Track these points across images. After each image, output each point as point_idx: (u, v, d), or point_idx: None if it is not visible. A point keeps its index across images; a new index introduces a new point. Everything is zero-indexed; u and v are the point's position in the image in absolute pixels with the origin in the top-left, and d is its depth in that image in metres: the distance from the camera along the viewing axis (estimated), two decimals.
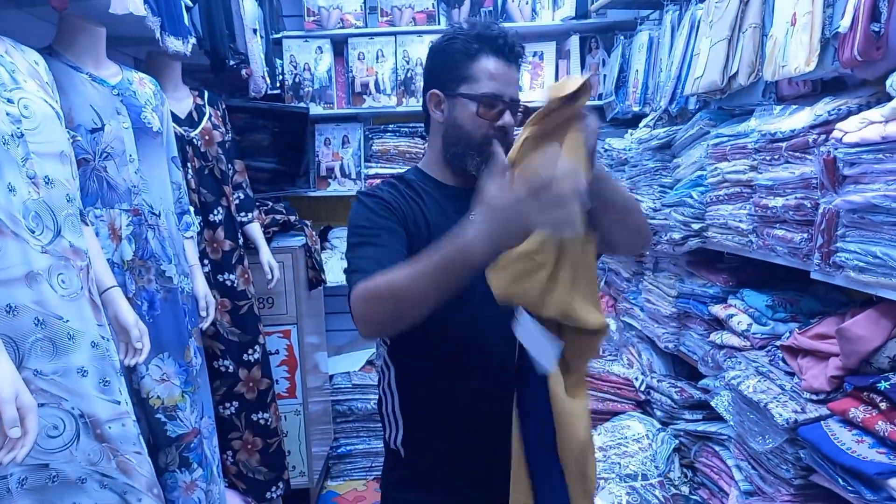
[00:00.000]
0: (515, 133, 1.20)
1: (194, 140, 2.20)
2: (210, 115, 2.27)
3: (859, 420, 1.31)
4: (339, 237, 3.46)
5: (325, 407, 2.99)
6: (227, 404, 2.25)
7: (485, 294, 1.05)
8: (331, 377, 3.09)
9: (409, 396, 1.27)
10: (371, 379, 3.09)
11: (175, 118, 2.12)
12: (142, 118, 1.74)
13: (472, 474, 1.25)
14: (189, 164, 2.16)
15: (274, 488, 2.33)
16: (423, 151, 3.19)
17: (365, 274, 1.07)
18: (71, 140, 1.48)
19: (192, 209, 2.05)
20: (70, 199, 1.35)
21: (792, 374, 1.56)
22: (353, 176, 3.33)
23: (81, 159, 1.58)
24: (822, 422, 1.41)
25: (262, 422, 2.30)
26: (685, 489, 1.93)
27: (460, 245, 0.97)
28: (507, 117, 1.20)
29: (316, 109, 3.22)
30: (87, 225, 1.48)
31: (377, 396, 1.34)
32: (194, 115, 2.23)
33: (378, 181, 3.22)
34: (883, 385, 1.28)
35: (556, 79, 3.21)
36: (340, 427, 3.08)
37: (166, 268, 1.76)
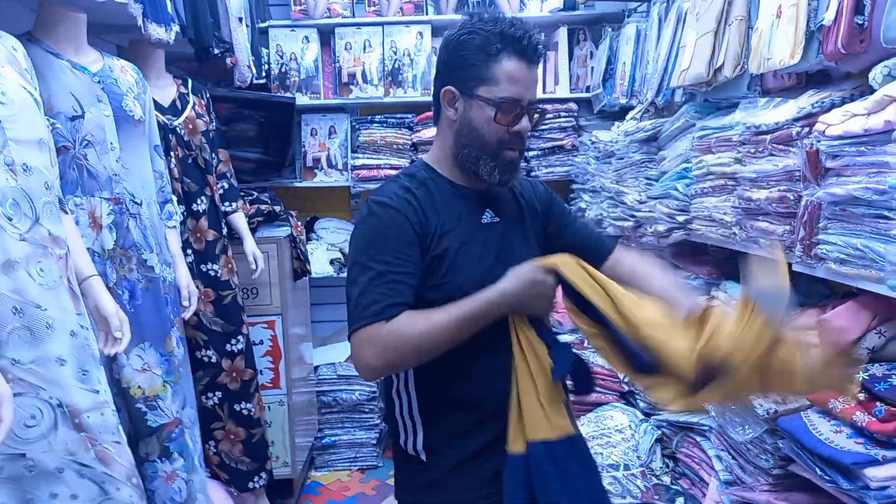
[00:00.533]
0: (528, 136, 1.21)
1: (177, 129, 2.17)
2: (194, 104, 2.25)
3: (838, 411, 1.33)
4: (326, 228, 3.45)
5: (310, 398, 2.99)
6: (210, 394, 2.23)
7: None
8: (315, 368, 3.08)
9: (429, 398, 1.19)
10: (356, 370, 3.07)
11: (158, 106, 2.09)
12: (123, 106, 1.71)
13: (499, 470, 1.16)
14: (172, 153, 2.14)
15: (257, 478, 2.32)
16: (410, 142, 3.18)
17: (374, 318, 1.07)
18: (50, 127, 1.46)
19: (174, 198, 2.03)
20: (49, 187, 1.33)
21: None
22: (340, 167, 3.31)
23: (61, 147, 1.56)
24: (802, 413, 1.42)
25: (245, 412, 2.29)
26: (666, 479, 1.95)
27: (490, 299, 1.07)
28: (525, 122, 1.15)
29: (302, 100, 3.19)
30: (66, 213, 1.46)
31: (381, 399, 1.29)
32: (178, 103, 2.20)
33: (364, 172, 3.25)
34: (862, 376, 1.30)
35: (544, 71, 3.20)
36: (325, 418, 3.07)
37: (148, 257, 1.74)
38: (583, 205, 2.80)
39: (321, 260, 3.29)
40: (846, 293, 1.55)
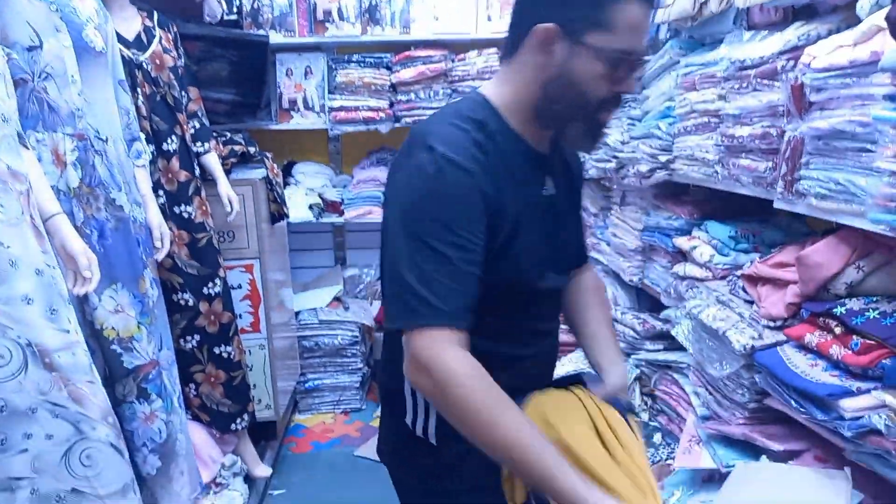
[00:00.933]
0: None
1: (144, 64, 2.08)
2: (160, 38, 2.15)
3: (814, 345, 1.33)
4: (304, 172, 3.38)
5: (292, 342, 2.98)
6: (189, 337, 2.21)
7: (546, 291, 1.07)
8: (297, 313, 3.07)
9: None
10: (338, 315, 3.07)
11: (122, 40, 2.00)
12: (83, 37, 1.63)
13: None
14: (139, 90, 2.05)
15: (239, 420, 2.33)
16: (388, 83, 3.09)
17: (445, 321, 0.87)
18: (6, 58, 1.38)
19: (143, 137, 1.96)
20: (5, 119, 1.26)
21: (751, 303, 1.58)
22: (317, 109, 3.22)
23: (19, 79, 1.48)
24: (778, 347, 1.43)
25: (224, 355, 2.27)
26: (645, 416, 1.98)
27: (564, 489, 0.82)
28: (632, 81, 0.96)
29: (276, 38, 3.08)
30: (27, 149, 1.39)
31: (387, 371, 1.10)
32: (143, 37, 2.10)
33: (342, 114, 3.15)
34: (839, 310, 1.30)
35: None
36: (308, 362, 3.08)
37: (116, 196, 1.69)
38: None
39: (300, 205, 3.24)
40: (825, 231, 1.55)
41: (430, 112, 3.05)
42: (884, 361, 1.19)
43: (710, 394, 1.67)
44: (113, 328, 1.65)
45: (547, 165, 1.05)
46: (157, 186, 2.10)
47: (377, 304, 3.19)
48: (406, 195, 0.92)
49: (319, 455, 2.75)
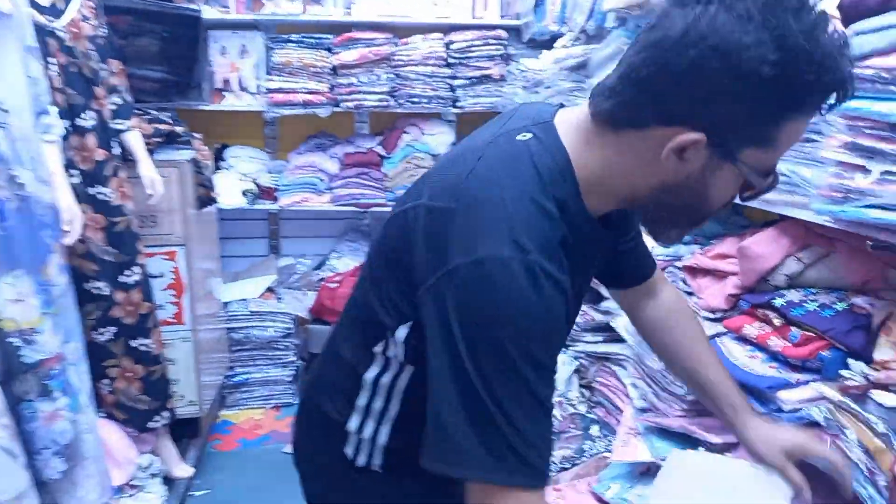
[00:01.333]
0: None
1: (58, 32, 1.91)
2: (80, 5, 1.98)
3: (753, 336, 1.32)
4: (237, 156, 3.23)
5: (219, 335, 2.84)
6: (103, 329, 2.05)
7: None
8: (226, 304, 2.93)
9: (417, 405, 0.80)
10: (270, 306, 2.95)
11: (34, 4, 1.83)
12: None
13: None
14: (53, 60, 1.88)
15: (157, 418, 2.18)
16: (329, 65, 2.97)
17: (535, 483, 0.72)
18: None
19: (54, 110, 1.80)
20: None
21: (691, 294, 1.56)
22: (253, 90, 3.08)
23: None
24: (717, 339, 1.41)
25: (142, 348, 2.12)
26: (582, 408, 1.95)
27: None
28: (763, 190, 0.78)
29: (210, 13, 2.93)
30: None
31: (330, 398, 0.95)
32: (59, 2, 1.93)
33: (279, 96, 3.00)
34: (778, 302, 1.29)
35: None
36: (237, 356, 2.95)
37: (19, 173, 1.52)
38: None
39: (232, 190, 3.10)
40: (765, 223, 1.54)
41: (372, 97, 2.98)
42: (822, 353, 1.18)
43: (649, 386, 1.64)
44: (12, 319, 1.49)
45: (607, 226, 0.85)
46: (70, 165, 1.93)
47: (312, 295, 3.08)
48: (490, 310, 0.69)
49: (247, 453, 2.63)
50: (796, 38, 0.64)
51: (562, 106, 0.85)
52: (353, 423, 0.93)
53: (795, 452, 0.95)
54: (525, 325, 0.69)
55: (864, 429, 1.05)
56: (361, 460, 0.94)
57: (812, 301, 1.25)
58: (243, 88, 3.08)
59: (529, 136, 0.79)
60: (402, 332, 0.83)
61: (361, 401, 0.92)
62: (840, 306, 1.23)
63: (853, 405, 1.07)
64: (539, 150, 0.77)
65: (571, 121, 0.79)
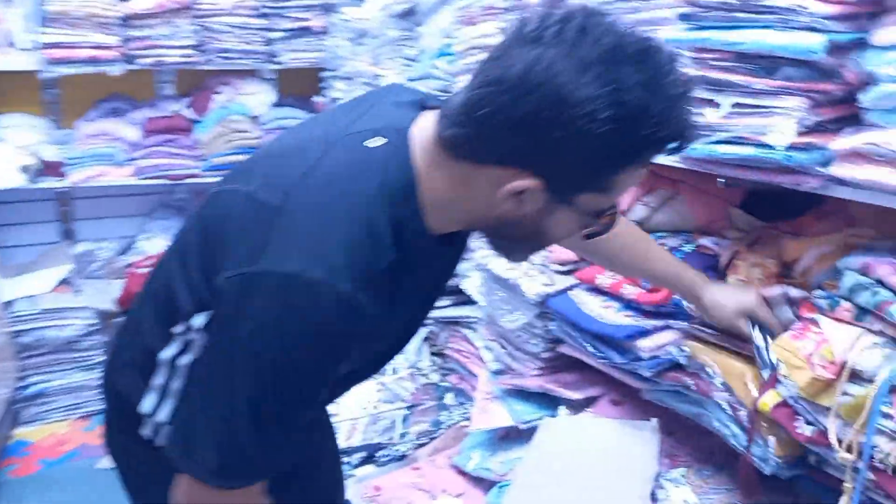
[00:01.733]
0: None
1: None
2: None
3: (606, 286, 1.29)
4: (10, 126, 2.72)
5: (3, 340, 2.38)
6: None
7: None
8: (8, 303, 2.46)
9: None
10: (67, 301, 2.53)
11: None
12: None
13: None
14: None
15: None
16: (119, 15, 2.57)
17: (255, 478, 0.79)
18: None
19: None
20: None
21: None
22: (25, 46, 2.57)
23: None
24: (570, 291, 1.38)
25: None
26: (435, 377, 1.88)
27: None
28: (604, 228, 0.81)
29: None
30: None
31: (125, 375, 0.93)
32: None
33: (58, 52, 2.50)
34: None
35: None
36: (29, 362, 2.49)
37: None
38: (337, 94, 2.52)
39: (7, 167, 2.60)
40: None
41: (174, 53, 2.64)
42: (675, 297, 1.17)
43: (503, 347, 1.59)
44: None
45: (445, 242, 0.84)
46: None
47: (119, 284, 2.69)
48: (283, 329, 0.71)
49: (52, 475, 2.23)
50: (633, 92, 0.64)
51: (430, 97, 0.85)
52: (148, 404, 0.88)
53: (745, 312, 1.03)
54: (306, 357, 0.72)
55: (727, 357, 1.06)
56: (161, 441, 0.89)
57: (662, 245, 1.24)
58: (11, 44, 2.57)
59: (382, 142, 0.76)
60: (199, 319, 0.80)
61: (158, 380, 0.87)
62: (688, 248, 1.24)
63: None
64: (389, 164, 0.75)
65: (426, 135, 0.76)
